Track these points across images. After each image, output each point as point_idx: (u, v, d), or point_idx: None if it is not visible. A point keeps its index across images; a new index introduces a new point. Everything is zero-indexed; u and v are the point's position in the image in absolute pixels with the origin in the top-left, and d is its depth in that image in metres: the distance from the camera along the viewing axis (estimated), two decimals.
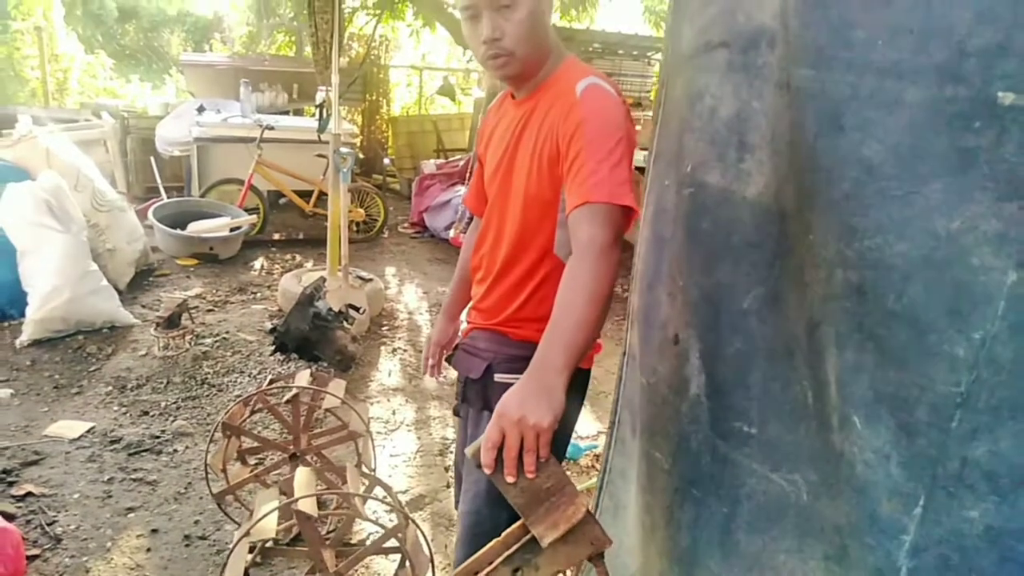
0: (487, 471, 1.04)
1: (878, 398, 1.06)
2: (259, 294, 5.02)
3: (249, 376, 3.72)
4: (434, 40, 12.69)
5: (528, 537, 1.05)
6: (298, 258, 5.95)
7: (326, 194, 4.96)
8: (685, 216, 1.57)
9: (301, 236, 6.58)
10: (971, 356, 0.96)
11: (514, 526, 1.08)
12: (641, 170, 1.93)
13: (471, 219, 1.93)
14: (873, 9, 1.10)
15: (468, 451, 1.07)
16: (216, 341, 4.10)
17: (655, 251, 1.70)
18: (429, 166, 7.92)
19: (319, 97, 5.30)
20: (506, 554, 1.06)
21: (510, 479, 1.03)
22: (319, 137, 5.59)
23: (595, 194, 1.27)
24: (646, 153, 1.88)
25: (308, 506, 1.73)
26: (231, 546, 1.75)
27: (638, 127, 4.71)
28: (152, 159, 7.19)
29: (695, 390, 1.52)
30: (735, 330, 1.42)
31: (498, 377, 1.52)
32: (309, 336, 3.72)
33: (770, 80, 1.31)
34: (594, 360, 1.65)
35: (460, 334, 1.73)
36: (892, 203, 1.06)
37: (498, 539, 1.09)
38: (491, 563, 1.06)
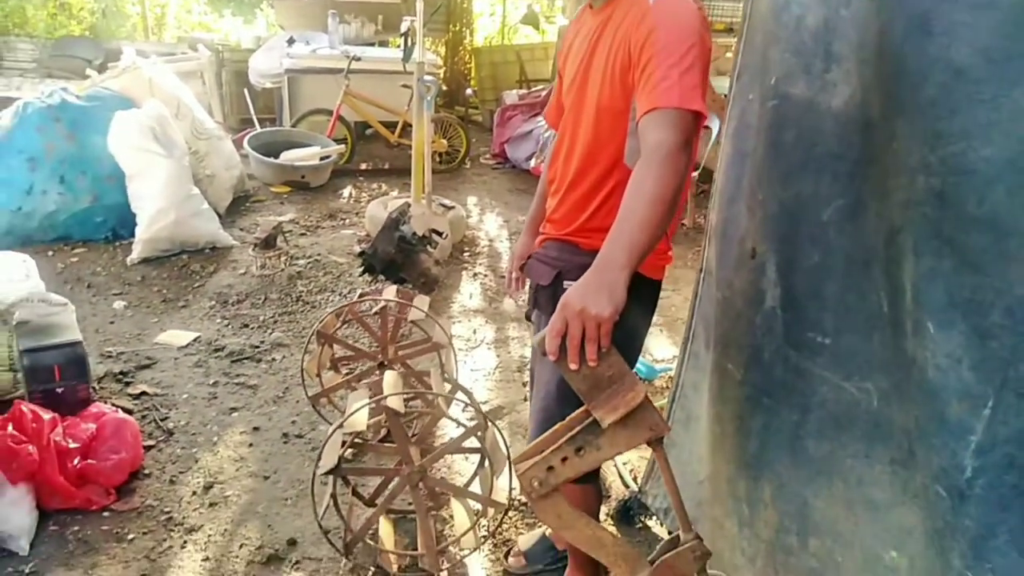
0: (551, 358, 1.10)
1: (953, 303, 1.07)
2: (348, 220, 5.21)
3: (340, 295, 3.91)
4: None
5: (590, 420, 1.12)
6: (384, 187, 6.11)
7: (411, 126, 5.05)
8: (768, 129, 1.57)
9: (387, 166, 6.73)
10: None
11: (578, 411, 1.16)
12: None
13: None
14: None
15: (535, 340, 1.14)
16: (309, 262, 4.31)
17: (736, 166, 1.71)
18: (511, 97, 7.88)
19: (404, 26, 5.33)
20: (569, 435, 1.14)
21: (573, 366, 1.09)
22: (404, 67, 5.66)
23: (664, 99, 1.27)
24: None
25: (396, 403, 1.86)
26: (326, 437, 1.91)
27: (728, 54, 4.57)
28: (245, 91, 7.43)
29: (770, 303, 1.55)
30: (814, 242, 1.43)
31: (567, 284, 1.56)
32: (395, 258, 3.86)
33: None
34: (665, 271, 1.67)
35: (536, 244, 1.78)
36: (979, 107, 1.05)
37: (562, 423, 1.17)
38: (556, 443, 1.14)
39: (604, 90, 1.46)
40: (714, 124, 4.29)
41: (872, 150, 1.27)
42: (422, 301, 2.57)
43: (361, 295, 2.78)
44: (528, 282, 1.83)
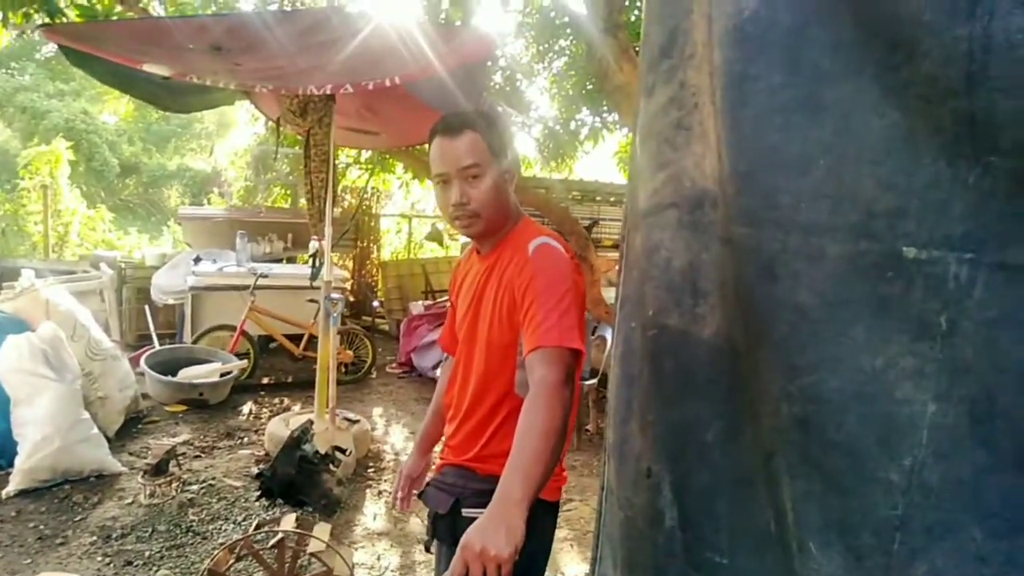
0: None
1: (828, 524, 1.14)
2: (246, 439, 5.03)
3: (234, 523, 3.68)
4: (423, 190, 13.31)
5: None
6: (286, 401, 5.99)
7: (316, 337, 5.09)
8: (650, 356, 1.70)
9: (290, 379, 6.65)
10: (904, 481, 1.06)
11: None
12: None
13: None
14: (794, 178, 1.28)
15: None
16: (202, 488, 4.08)
17: (625, 388, 1.81)
18: (417, 307, 8.13)
19: (312, 247, 5.54)
20: None
21: None
22: (311, 284, 5.81)
23: (546, 339, 1.43)
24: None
25: None
26: None
27: (616, 267, 4.95)
28: (146, 307, 7.36)
29: (669, 522, 1.58)
30: (702, 462, 1.51)
31: (465, 512, 1.59)
32: (295, 480, 3.71)
33: (715, 235, 1.47)
34: (562, 492, 1.72)
35: (433, 469, 1.81)
36: (824, 344, 1.19)
37: None
38: None
39: (494, 327, 1.59)
40: (607, 332, 4.53)
41: (741, 378, 1.39)
42: (322, 530, 2.47)
43: (258, 525, 2.64)
44: (415, 503, 1.83)
